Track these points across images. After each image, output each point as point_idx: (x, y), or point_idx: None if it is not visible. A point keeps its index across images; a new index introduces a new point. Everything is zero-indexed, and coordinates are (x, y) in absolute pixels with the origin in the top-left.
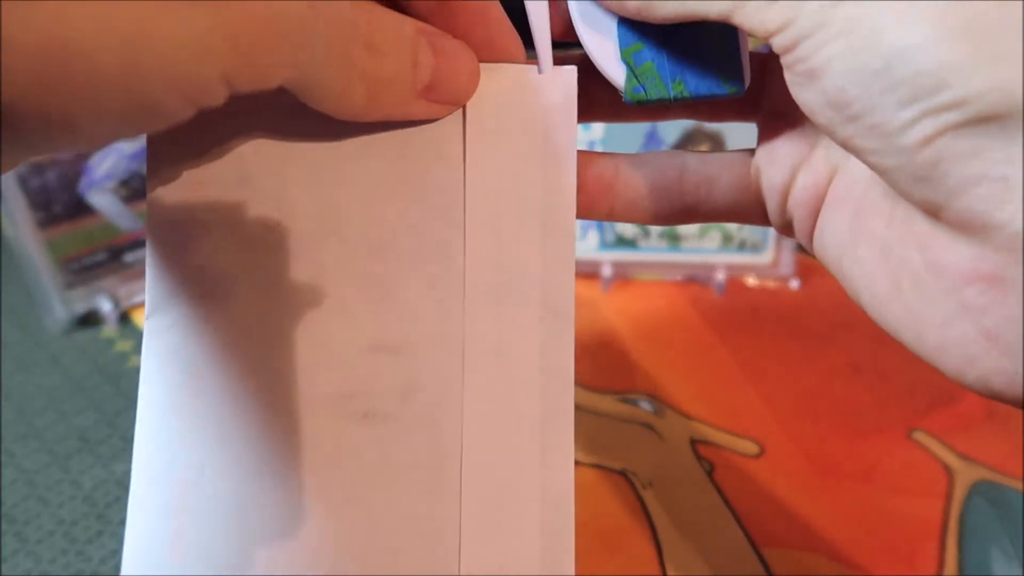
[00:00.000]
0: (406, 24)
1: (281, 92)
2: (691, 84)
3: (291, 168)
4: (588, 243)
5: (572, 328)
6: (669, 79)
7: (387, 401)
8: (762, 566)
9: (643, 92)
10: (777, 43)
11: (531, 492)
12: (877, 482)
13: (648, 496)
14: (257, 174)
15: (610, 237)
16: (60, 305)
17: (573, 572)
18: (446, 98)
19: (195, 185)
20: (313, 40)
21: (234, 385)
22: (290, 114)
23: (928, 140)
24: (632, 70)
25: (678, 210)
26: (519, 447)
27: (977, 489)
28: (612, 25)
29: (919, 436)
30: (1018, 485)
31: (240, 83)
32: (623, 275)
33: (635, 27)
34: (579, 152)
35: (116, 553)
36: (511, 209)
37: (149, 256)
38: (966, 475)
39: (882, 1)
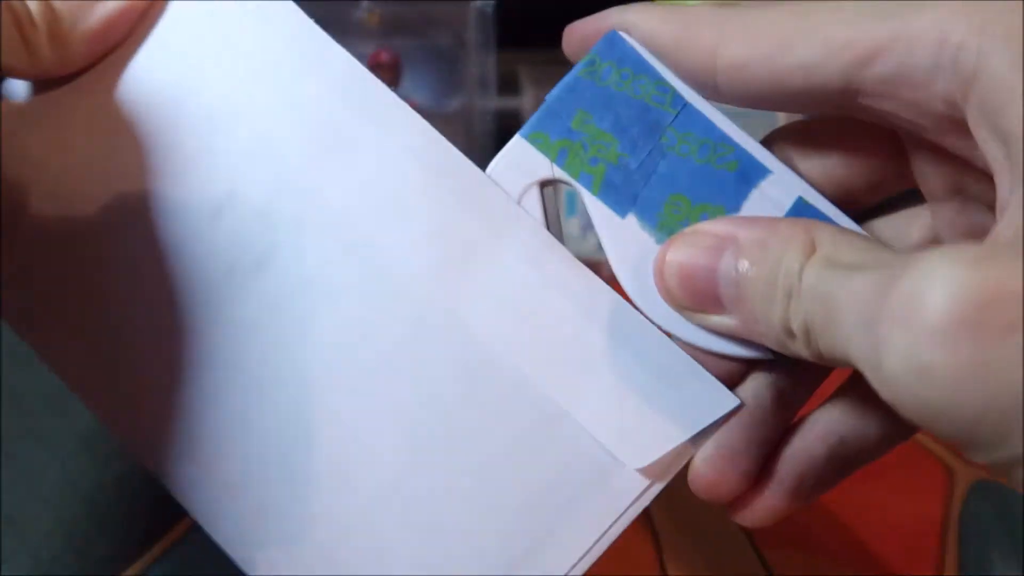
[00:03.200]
0: None
1: None
2: None
3: None
4: (588, 243)
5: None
6: None
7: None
8: (762, 566)
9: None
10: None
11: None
12: (877, 482)
13: None
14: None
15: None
16: None
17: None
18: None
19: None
20: None
21: None
22: None
23: None
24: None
25: None
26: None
27: (977, 489)
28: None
29: (919, 436)
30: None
31: None
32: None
33: None
34: None
35: (116, 553)
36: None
37: None
38: (966, 475)
39: None
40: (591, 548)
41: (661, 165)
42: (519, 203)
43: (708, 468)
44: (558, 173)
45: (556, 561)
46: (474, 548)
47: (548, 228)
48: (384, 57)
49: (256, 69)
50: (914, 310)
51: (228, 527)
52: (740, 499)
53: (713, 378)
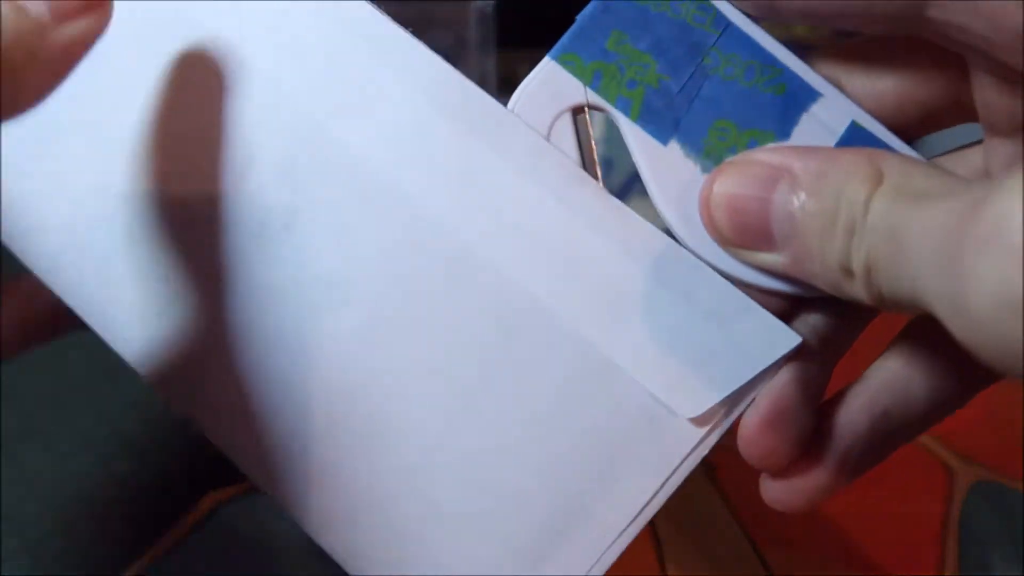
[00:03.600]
0: None
1: None
2: None
3: None
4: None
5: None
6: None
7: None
8: (762, 566)
9: None
10: None
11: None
12: (877, 482)
13: None
14: None
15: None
16: None
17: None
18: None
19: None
20: None
21: None
22: None
23: None
24: None
25: None
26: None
27: (977, 489)
28: None
29: (919, 436)
30: (1018, 485)
31: None
32: None
33: None
34: None
35: (116, 553)
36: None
37: None
38: (966, 475)
39: None
40: (648, 504)
41: (705, 88)
42: (549, 133)
43: (758, 433)
44: (592, 98)
45: (612, 517)
46: (527, 504)
47: (583, 160)
48: None
49: (264, 18)
50: (1008, 233)
51: (284, 488)
52: (782, 476)
53: (769, 314)
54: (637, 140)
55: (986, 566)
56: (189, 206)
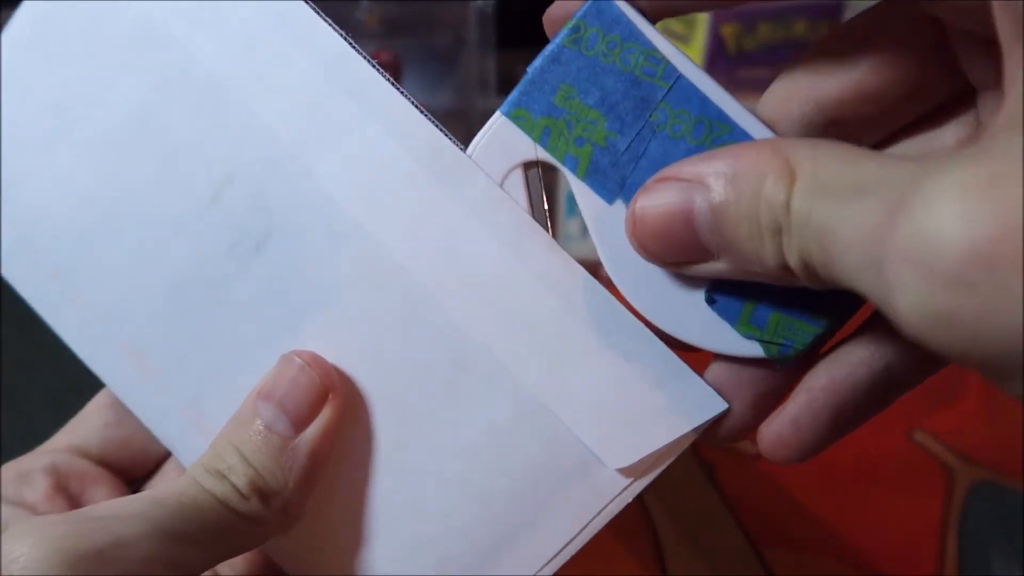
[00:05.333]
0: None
1: None
2: (835, 305)
3: None
4: (588, 243)
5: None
6: (810, 317)
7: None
8: (762, 566)
9: (791, 348)
10: None
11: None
12: (877, 482)
13: (648, 496)
14: None
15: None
16: None
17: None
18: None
19: None
20: None
21: None
22: None
23: None
24: (761, 338)
25: None
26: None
27: (977, 489)
28: (698, 306)
29: (919, 436)
30: (1018, 485)
31: None
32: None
33: (732, 289)
34: None
35: None
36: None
37: None
38: (966, 475)
39: None
40: (570, 542)
41: (652, 146)
42: (501, 186)
43: (776, 441)
44: (541, 155)
45: (535, 552)
46: (456, 531)
47: (532, 213)
48: (384, 57)
49: (246, 50)
50: (925, 251)
51: None
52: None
53: (701, 380)
54: (584, 198)
55: (986, 566)
56: (161, 215)
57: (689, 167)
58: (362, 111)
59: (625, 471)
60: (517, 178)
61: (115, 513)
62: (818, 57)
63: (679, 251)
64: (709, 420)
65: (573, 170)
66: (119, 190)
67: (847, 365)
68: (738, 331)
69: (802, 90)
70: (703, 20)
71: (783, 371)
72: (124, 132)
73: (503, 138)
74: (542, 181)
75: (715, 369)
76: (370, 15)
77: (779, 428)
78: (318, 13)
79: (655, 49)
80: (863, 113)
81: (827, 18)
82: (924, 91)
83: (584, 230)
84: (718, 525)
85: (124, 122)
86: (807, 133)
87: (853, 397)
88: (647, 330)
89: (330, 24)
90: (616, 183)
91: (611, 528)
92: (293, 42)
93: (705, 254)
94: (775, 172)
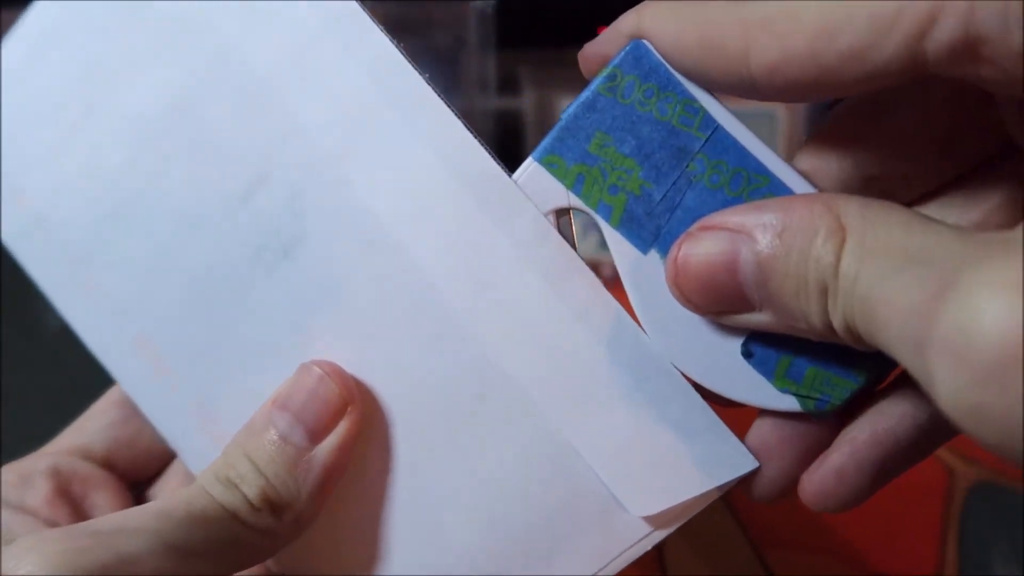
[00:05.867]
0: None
1: None
2: (875, 361)
3: None
4: (588, 243)
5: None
6: (848, 372)
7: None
8: (762, 566)
9: (828, 403)
10: None
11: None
12: None
13: None
14: None
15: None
16: None
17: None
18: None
19: None
20: None
21: None
22: None
23: None
24: (798, 392)
25: None
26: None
27: (977, 489)
28: (734, 359)
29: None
30: (1018, 485)
31: None
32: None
33: (770, 342)
34: None
35: None
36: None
37: None
38: (966, 475)
39: None
40: None
41: (688, 196)
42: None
43: (819, 492)
44: (575, 202)
45: None
46: (466, 561)
47: None
48: None
49: (294, 49)
50: (964, 343)
51: None
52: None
53: (733, 436)
54: (617, 246)
55: (986, 566)
56: (188, 209)
57: (736, 217)
58: (407, 125)
59: (646, 520)
60: (550, 224)
61: (120, 527)
62: (856, 111)
63: (721, 301)
64: (737, 478)
65: (607, 219)
66: (146, 178)
67: (890, 418)
68: (775, 385)
69: (840, 144)
70: None
71: (827, 426)
72: (157, 119)
73: (536, 183)
74: (573, 228)
75: (760, 425)
76: (370, 15)
77: (822, 479)
78: (372, 18)
79: (693, 99)
80: (902, 170)
81: None
82: (966, 148)
83: (584, 227)
84: (718, 525)
85: (158, 109)
86: (844, 188)
87: (895, 449)
88: (683, 379)
89: (383, 30)
90: (651, 233)
91: None
92: (343, 46)
93: (748, 306)
94: (826, 230)
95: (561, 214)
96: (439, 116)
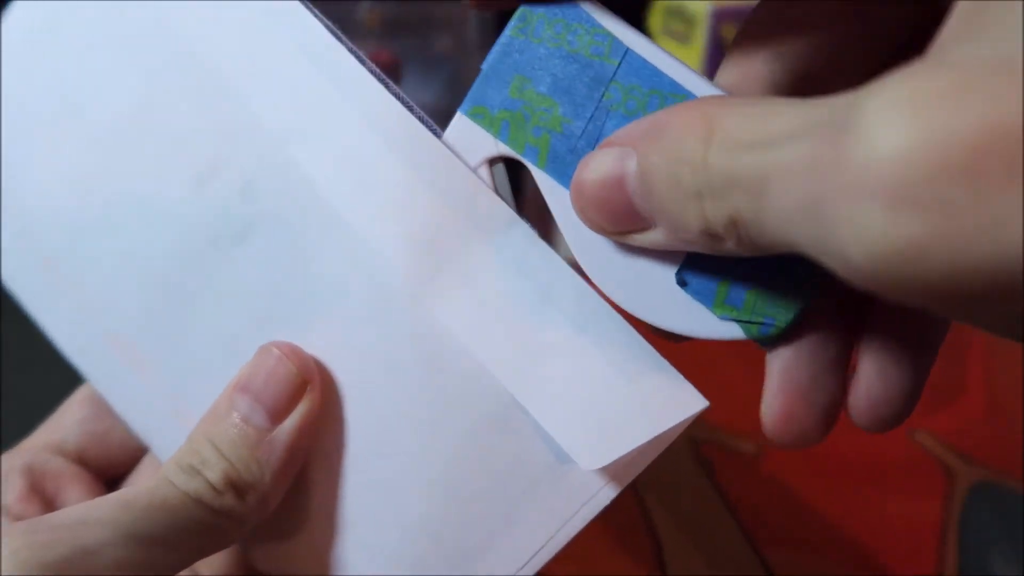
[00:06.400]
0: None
1: None
2: (811, 279)
3: None
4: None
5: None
6: (789, 293)
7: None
8: (762, 566)
9: (772, 327)
10: None
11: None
12: (877, 482)
13: (648, 497)
14: None
15: None
16: None
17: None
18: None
19: None
20: None
21: None
22: None
23: None
24: (739, 318)
25: None
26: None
27: (977, 489)
28: (670, 289)
29: (919, 436)
30: (1018, 485)
31: None
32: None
33: (704, 268)
34: None
35: None
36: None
37: None
38: (966, 475)
39: None
40: (541, 549)
41: (607, 127)
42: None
43: (782, 425)
44: (502, 149)
45: (510, 556)
46: (431, 533)
47: None
48: (384, 57)
49: (244, 40)
50: (879, 175)
51: None
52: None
53: (679, 375)
54: (547, 187)
55: (986, 566)
56: (151, 205)
57: (624, 132)
58: (345, 102)
59: (599, 472)
60: (483, 175)
61: (81, 519)
62: (777, 5)
63: (618, 219)
64: (689, 418)
65: (534, 161)
66: (116, 181)
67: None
68: (714, 312)
69: (763, 45)
70: (703, 20)
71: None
72: (124, 124)
73: (465, 135)
74: (507, 176)
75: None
76: (370, 15)
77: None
78: (308, 8)
79: (600, 27)
80: (836, 63)
81: None
82: (899, 28)
83: None
84: (718, 525)
85: (125, 113)
86: (775, 92)
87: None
88: (623, 320)
89: (317, 16)
90: (575, 169)
91: (611, 527)
92: (283, 34)
93: (642, 221)
94: (696, 129)
95: (494, 163)
96: (369, 90)
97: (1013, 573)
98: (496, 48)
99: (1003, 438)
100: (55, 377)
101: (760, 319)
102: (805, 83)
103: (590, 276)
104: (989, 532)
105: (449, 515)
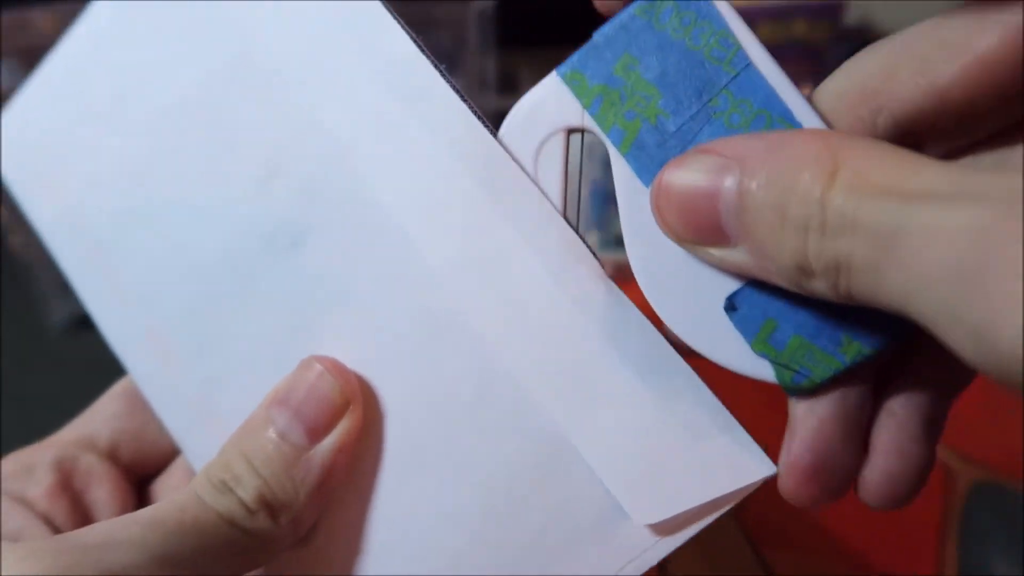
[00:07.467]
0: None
1: None
2: (866, 338)
3: None
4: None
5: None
6: (835, 349)
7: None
8: (762, 566)
9: (806, 379)
10: None
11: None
12: None
13: None
14: None
15: (610, 237)
16: (60, 305)
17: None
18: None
19: None
20: None
21: None
22: None
23: None
24: (775, 359)
25: None
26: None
27: (977, 489)
28: (716, 312)
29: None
30: (1018, 485)
31: None
32: (624, 275)
33: (758, 300)
34: None
35: None
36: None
37: None
38: (966, 475)
39: None
40: None
41: (704, 132)
42: (539, 151)
43: (801, 486)
44: (588, 123)
45: None
46: (463, 569)
47: (565, 186)
48: None
49: (313, 42)
50: None
51: None
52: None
53: (749, 438)
54: (621, 175)
55: (986, 566)
56: (203, 200)
57: (730, 144)
58: (417, 118)
59: (651, 528)
60: (558, 144)
61: (107, 539)
62: (897, 56)
63: (698, 229)
64: (753, 484)
65: (617, 144)
66: (168, 171)
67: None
68: (752, 347)
69: (877, 95)
70: None
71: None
72: (181, 114)
73: (553, 98)
74: (583, 151)
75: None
76: None
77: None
78: (391, 13)
79: (729, 32)
80: (940, 126)
81: (827, 18)
82: (1013, 102)
83: (584, 230)
84: (718, 525)
85: (182, 104)
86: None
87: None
88: (694, 374)
89: (402, 26)
90: (658, 164)
91: None
92: (359, 40)
93: (723, 238)
94: (817, 165)
95: (573, 133)
96: (448, 107)
97: (1013, 573)
98: (614, 21)
99: (1003, 438)
100: (56, 377)
101: (797, 367)
102: (905, 141)
103: (634, 270)
104: (989, 532)
105: (482, 556)
